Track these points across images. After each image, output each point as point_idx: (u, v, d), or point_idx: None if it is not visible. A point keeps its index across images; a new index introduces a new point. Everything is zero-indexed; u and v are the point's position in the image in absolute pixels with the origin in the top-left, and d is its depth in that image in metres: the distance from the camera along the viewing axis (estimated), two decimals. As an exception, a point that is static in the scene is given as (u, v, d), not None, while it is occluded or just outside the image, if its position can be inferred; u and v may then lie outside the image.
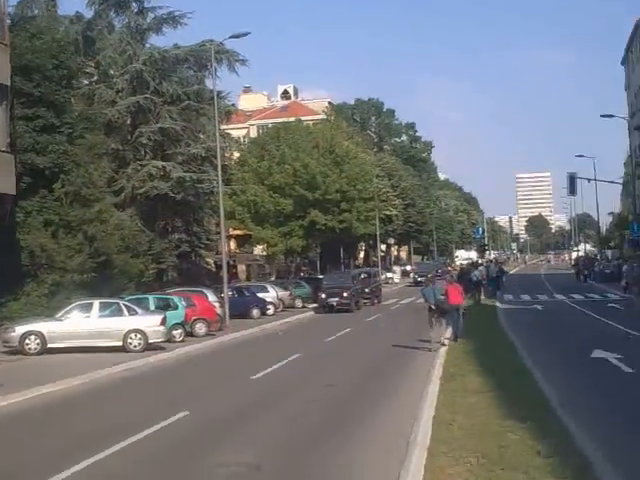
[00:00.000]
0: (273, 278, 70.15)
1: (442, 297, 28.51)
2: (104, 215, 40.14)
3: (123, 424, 16.20)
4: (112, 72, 52.87)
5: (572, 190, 70.41)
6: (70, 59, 40.60)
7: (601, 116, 65.34)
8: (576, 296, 55.67)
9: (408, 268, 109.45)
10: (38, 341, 28.98)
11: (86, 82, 50.23)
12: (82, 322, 29.73)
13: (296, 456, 13.29)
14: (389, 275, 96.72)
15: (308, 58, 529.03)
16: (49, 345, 29.01)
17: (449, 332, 29.05)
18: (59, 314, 30.07)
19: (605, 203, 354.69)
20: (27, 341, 28.91)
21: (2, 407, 18.77)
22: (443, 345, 27.22)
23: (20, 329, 29.28)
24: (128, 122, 52.52)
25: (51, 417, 18.24)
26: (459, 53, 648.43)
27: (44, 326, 29.52)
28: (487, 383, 18.50)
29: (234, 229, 74.14)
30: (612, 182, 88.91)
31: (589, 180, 79.61)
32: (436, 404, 16.25)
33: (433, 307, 27.69)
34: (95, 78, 52.24)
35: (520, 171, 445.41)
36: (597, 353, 23.93)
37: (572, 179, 68.68)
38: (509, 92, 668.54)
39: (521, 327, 33.60)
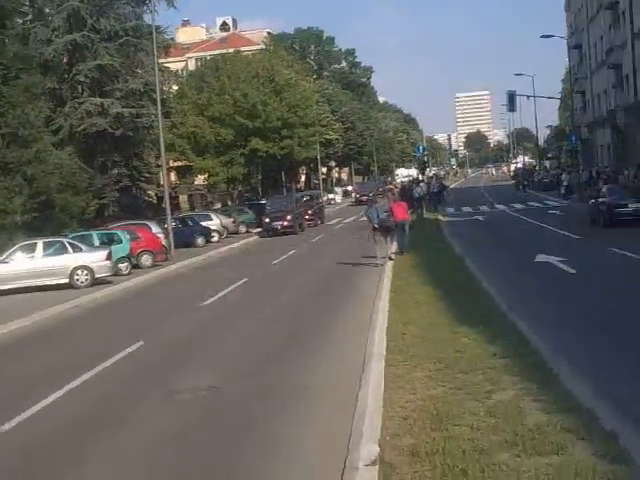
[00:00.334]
0: (218, 206, 69.82)
1: (385, 214, 28.71)
2: (43, 155, 39.43)
3: (78, 360, 16.15)
4: (48, 10, 51.52)
5: (511, 107, 72.09)
6: (3, -1, 39.49)
7: (541, 37, 65.94)
8: (517, 205, 56.34)
9: (349, 189, 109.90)
10: (-17, 284, 28.68)
11: (20, 22, 48.84)
12: (27, 262, 29.45)
13: (255, 376, 13.40)
14: (331, 196, 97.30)
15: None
16: (-5, 287, 28.73)
17: (394, 247, 29.25)
18: (2, 256, 29.64)
19: (543, 120, 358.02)
20: (-30, 284, 28.61)
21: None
22: (390, 259, 27.42)
23: (-38, 273, 28.91)
24: (65, 60, 51.33)
25: (3, 358, 18.12)
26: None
27: (-13, 268, 29.18)
28: (436, 293, 18.71)
29: (174, 161, 73.66)
30: (550, 97, 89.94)
31: (528, 97, 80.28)
32: (388, 316, 16.43)
33: (376, 226, 27.90)
34: (30, 17, 50.78)
35: (459, 91, 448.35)
36: (540, 257, 24.33)
37: (512, 96, 70.53)
38: (449, 16, 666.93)
39: (464, 238, 33.98)
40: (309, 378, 12.87)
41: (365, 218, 30.03)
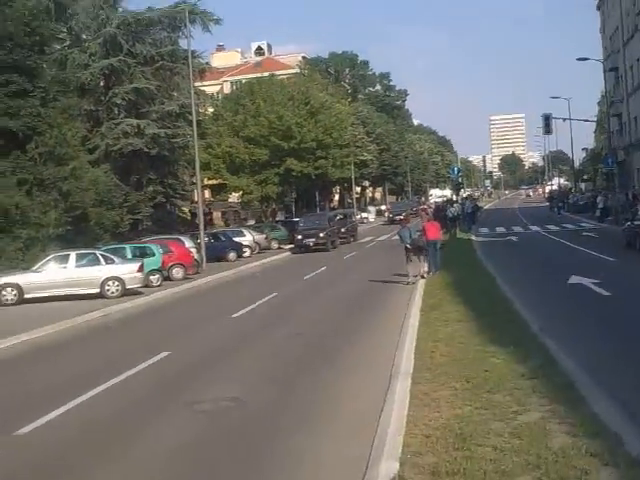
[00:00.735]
0: (251, 223, 70.08)
1: (417, 235, 28.64)
2: (79, 172, 40.17)
3: (105, 367, 16.16)
4: (85, 37, 52.34)
5: (547, 129, 71.91)
6: (42, 25, 40.20)
7: (577, 59, 65.28)
8: (551, 227, 55.92)
9: (383, 208, 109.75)
10: (15, 292, 29.01)
11: (59, 47, 49.56)
12: (59, 272, 29.75)
13: (281, 389, 13.31)
14: (364, 215, 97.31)
15: (281, 14, 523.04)
16: (26, 295, 29.00)
17: (426, 266, 29.10)
18: (36, 266, 30.01)
19: (578, 142, 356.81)
20: (4, 292, 28.92)
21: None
22: (422, 278, 27.31)
23: (-4, 281, 29.18)
24: (102, 84, 52.22)
25: (31, 363, 18.17)
26: (433, 1, 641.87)
27: (20, 278, 29.58)
28: (467, 312, 18.52)
29: (209, 179, 74.21)
30: (586, 120, 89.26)
31: (564, 119, 79.94)
32: (417, 334, 16.30)
33: (409, 246, 27.85)
34: (68, 43, 51.56)
35: (494, 113, 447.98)
36: (574, 279, 24.04)
37: (547, 118, 70.34)
38: (485, 37, 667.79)
39: (497, 258, 33.75)
40: (334, 393, 12.76)
41: (398, 237, 29.88)
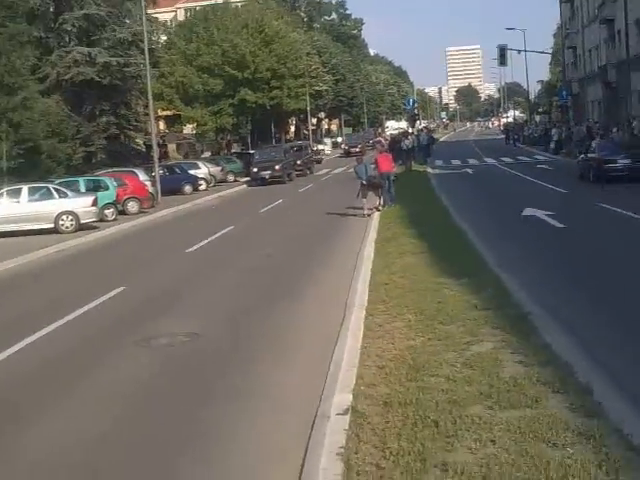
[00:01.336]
0: (207, 155, 69.62)
1: (374, 172, 28.52)
2: (29, 102, 39.41)
3: (59, 303, 16.08)
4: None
5: (502, 61, 71.78)
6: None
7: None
8: (506, 159, 56.04)
9: (339, 140, 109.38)
10: (-34, 228, 28.60)
11: (5, -30, 48.35)
12: (11, 207, 29.44)
13: (234, 324, 13.30)
14: (320, 147, 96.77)
15: None
16: (-22, 231, 28.64)
17: (381, 200, 29.10)
18: (-14, 201, 29.62)
19: (533, 74, 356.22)
20: (-47, 228, 28.53)
21: None
22: (377, 210, 27.35)
23: (-53, 217, 28.79)
24: (51, 9, 50.97)
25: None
26: None
27: (-29, 213, 29.09)
28: (422, 245, 18.57)
29: (163, 110, 73.51)
30: (542, 52, 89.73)
31: (519, 51, 79.81)
32: (372, 266, 16.36)
33: (364, 182, 27.80)
34: (15, -34, 50.25)
35: (451, 45, 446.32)
36: (528, 211, 24.16)
37: (502, 50, 70.30)
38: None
39: (452, 190, 33.82)
40: (289, 325, 12.84)
41: (353, 170, 29.82)
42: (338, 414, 7.83)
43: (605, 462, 6.14)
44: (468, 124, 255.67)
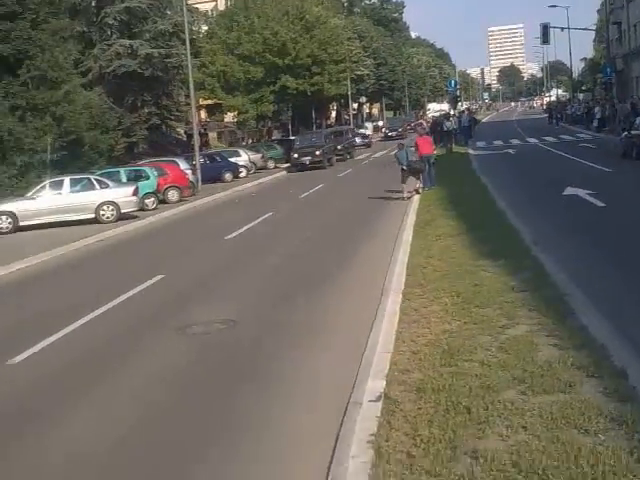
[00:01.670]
0: (247, 143, 69.80)
1: (414, 157, 28.35)
2: (72, 96, 39.75)
3: (99, 292, 16.12)
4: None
5: (545, 39, 70.70)
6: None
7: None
8: (548, 139, 55.51)
9: (380, 124, 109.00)
10: (10, 220, 28.93)
11: (48, -34, 48.71)
12: (54, 199, 29.62)
13: (272, 309, 13.31)
14: (361, 131, 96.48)
15: None
16: (21, 223, 28.97)
17: (421, 182, 28.95)
18: (30, 193, 29.91)
19: (577, 52, 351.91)
20: (-2, 221, 28.81)
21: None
22: (417, 193, 27.24)
23: (-10, 210, 29.11)
24: (93, 4, 51.32)
25: (30, 289, 18.28)
26: None
27: (15, 205, 29.51)
28: (460, 227, 18.48)
29: (204, 99, 73.73)
30: (585, 29, 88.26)
31: (562, 29, 78.74)
32: (410, 249, 16.30)
33: (405, 168, 27.66)
34: (58, -39, 50.62)
35: (492, 24, 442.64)
36: (569, 190, 23.90)
37: (545, 28, 69.21)
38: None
39: (493, 171, 33.54)
40: (326, 310, 12.84)
41: (393, 153, 29.69)
42: (370, 401, 7.78)
43: (637, 449, 6.01)
44: (512, 104, 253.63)
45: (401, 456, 6.43)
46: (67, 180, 30.36)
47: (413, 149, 29.22)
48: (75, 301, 15.62)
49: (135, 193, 30.27)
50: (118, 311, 14.26)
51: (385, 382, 8.19)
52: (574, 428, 6.54)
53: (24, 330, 13.44)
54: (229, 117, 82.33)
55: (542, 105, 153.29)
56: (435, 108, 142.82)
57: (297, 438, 7.77)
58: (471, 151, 49.36)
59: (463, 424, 6.84)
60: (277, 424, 8.19)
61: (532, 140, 56.77)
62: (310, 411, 8.38)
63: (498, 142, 57.63)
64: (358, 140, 74.56)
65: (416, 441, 6.63)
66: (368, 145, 74.02)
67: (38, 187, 30.16)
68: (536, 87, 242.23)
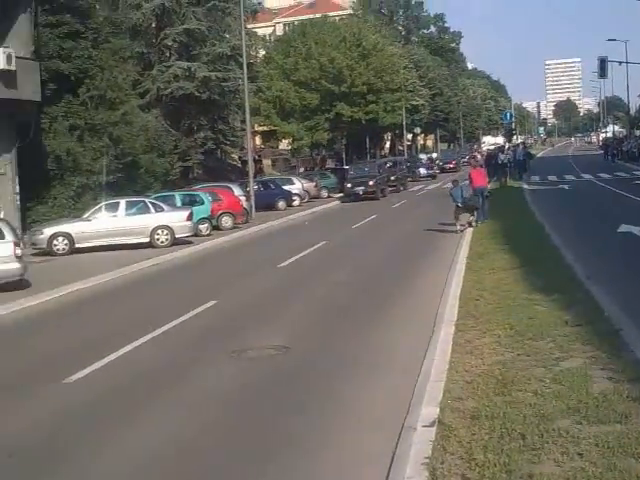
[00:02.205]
0: (301, 171, 70.15)
1: (469, 195, 28.24)
2: (129, 117, 40.16)
3: (153, 316, 16.38)
4: (136, -25, 52.17)
5: (602, 73, 69.78)
6: (93, -36, 40.19)
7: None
8: (604, 175, 55.09)
9: (434, 155, 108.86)
10: (66, 242, 29.20)
11: (110, -14, 49.57)
12: (109, 221, 29.93)
13: (325, 337, 13.43)
14: (426, 159, 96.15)
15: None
16: (77, 245, 29.24)
17: (474, 215, 28.90)
18: (86, 214, 30.30)
19: (635, 87, 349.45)
20: (55, 242, 29.11)
21: (35, 305, 18.97)
22: (470, 226, 27.20)
23: (48, 231, 29.49)
24: (153, 25, 51.90)
25: (84, 312, 18.51)
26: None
27: (71, 227, 29.78)
28: (514, 260, 18.47)
29: (259, 125, 74.39)
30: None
31: (620, 63, 78.07)
32: (463, 282, 16.33)
33: (460, 205, 27.61)
34: (120, -17, 51.55)
35: (549, 58, 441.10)
36: (624, 227, 23.74)
37: (603, 62, 68.26)
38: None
39: (547, 206, 33.41)
40: (379, 339, 12.89)
41: (449, 185, 29.68)
42: (424, 426, 7.86)
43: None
44: (572, 139, 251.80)
45: (456, 478, 6.51)
46: (123, 203, 30.70)
47: (467, 184, 29.17)
48: (129, 323, 15.90)
49: (189, 218, 30.55)
50: (172, 334, 14.45)
51: (439, 409, 8.27)
52: (631, 457, 6.57)
53: (80, 350, 13.65)
54: (284, 144, 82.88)
55: (598, 141, 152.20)
56: (490, 141, 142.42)
57: (353, 458, 7.87)
58: (525, 185, 49.19)
59: (518, 449, 6.89)
60: (334, 445, 8.32)
61: (587, 176, 56.41)
62: (365, 434, 8.48)
63: (552, 177, 57.38)
64: (422, 171, 73.94)
65: (471, 464, 6.70)
66: (433, 176, 73.01)
67: (94, 209, 30.47)
68: (592, 123, 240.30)
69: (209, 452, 8.43)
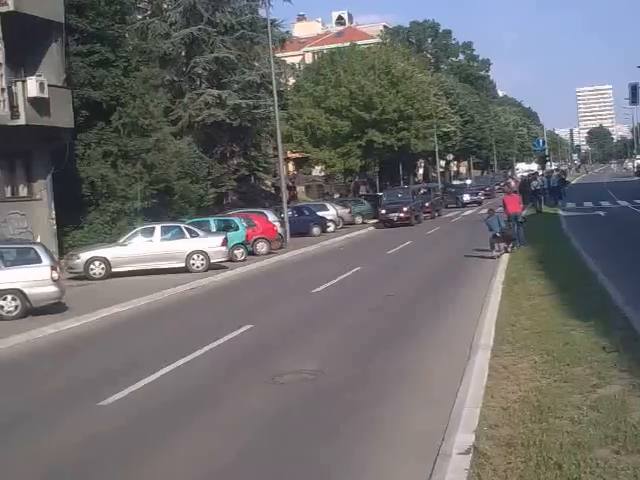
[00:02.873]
0: (335, 197, 70.29)
1: (505, 224, 28.11)
2: (162, 144, 40.52)
3: (189, 339, 16.51)
4: (165, 6, 52.74)
5: (634, 100, 69.77)
6: (123, -6, 40.73)
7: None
8: (640, 201, 54.71)
9: (468, 182, 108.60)
10: (102, 266, 29.42)
11: (140, 17, 50.19)
12: (145, 246, 30.11)
13: (360, 361, 13.43)
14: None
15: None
16: (113, 269, 29.44)
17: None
18: (122, 239, 30.52)
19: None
20: (92, 266, 29.35)
21: (71, 328, 19.19)
22: (506, 252, 27.10)
23: (84, 255, 29.74)
24: (183, 54, 52.44)
25: (120, 335, 18.64)
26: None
27: (108, 251, 29.98)
28: (550, 286, 18.39)
29: (292, 152, 74.73)
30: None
31: (651, 89, 77.76)
32: (499, 307, 16.29)
33: (498, 234, 27.50)
34: (149, 12, 52.19)
35: (581, 85, 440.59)
36: (662, 253, 23.58)
37: (634, 89, 68.23)
38: (570, 9, 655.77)
39: (583, 232, 33.18)
40: (414, 365, 12.87)
41: (483, 211, 29.61)
42: (459, 453, 7.82)
43: None
44: (612, 165, 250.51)
45: (491, 508, 6.46)
46: (158, 228, 30.90)
47: (502, 211, 29.07)
48: (165, 347, 16.02)
49: (224, 243, 30.68)
50: (207, 359, 14.53)
51: (474, 436, 8.22)
52: (670, 488, 6.49)
53: (115, 374, 13.76)
54: (317, 171, 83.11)
55: (633, 168, 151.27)
56: (524, 168, 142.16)
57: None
58: (560, 212, 48.92)
59: (554, 479, 6.82)
60: (370, 470, 8.31)
61: (623, 202, 55.97)
62: (399, 462, 8.44)
63: (588, 203, 57.02)
64: (466, 198, 72.26)
65: (506, 494, 6.65)
66: (479, 202, 70.40)
67: (130, 234, 30.72)
68: (626, 149, 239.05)
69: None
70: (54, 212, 32.25)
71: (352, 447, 9.03)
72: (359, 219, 54.99)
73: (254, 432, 10.03)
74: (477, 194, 73.28)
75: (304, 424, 10.13)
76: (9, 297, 20.26)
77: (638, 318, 13.48)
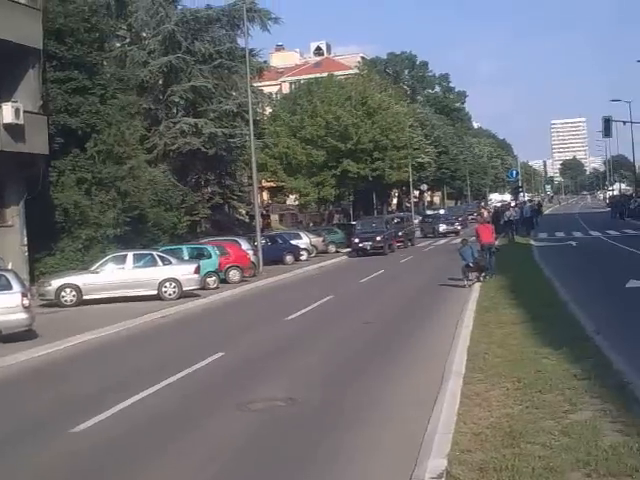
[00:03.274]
0: (309, 226, 70.38)
1: (479, 255, 28.21)
2: (137, 171, 40.40)
3: (160, 367, 16.41)
4: (144, 34, 52.75)
5: (607, 133, 70.32)
6: (102, 22, 40.83)
7: (638, 61, 64.49)
8: (611, 232, 55.06)
9: (441, 212, 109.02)
10: (74, 293, 29.26)
11: (118, 44, 50.19)
12: (117, 273, 29.98)
13: (331, 390, 13.37)
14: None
15: (340, 14, 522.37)
16: (85, 297, 29.28)
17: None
18: (94, 267, 30.32)
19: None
20: (63, 294, 29.19)
21: (42, 356, 19.01)
22: (478, 281, 27.21)
23: (56, 282, 29.58)
24: (160, 82, 52.41)
25: (91, 363, 18.53)
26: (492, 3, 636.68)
27: (79, 279, 29.80)
28: (522, 315, 18.48)
29: (267, 181, 74.81)
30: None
31: (624, 122, 78.65)
32: (471, 336, 16.33)
33: (471, 265, 27.60)
34: (127, 40, 52.15)
35: (555, 117, 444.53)
36: (632, 283, 23.71)
37: (607, 122, 68.80)
38: (544, 43, 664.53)
39: (555, 262, 33.35)
40: (386, 393, 12.82)
41: (457, 240, 29.74)
42: (432, 478, 7.80)
43: None
44: (577, 197, 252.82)
45: (463, 532, 6.44)
46: (130, 255, 30.80)
47: (474, 240, 29.18)
48: (136, 375, 15.90)
49: (197, 271, 30.60)
50: (178, 386, 14.43)
51: (447, 461, 8.21)
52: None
53: (86, 400, 13.65)
54: (291, 200, 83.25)
55: (604, 199, 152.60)
56: (497, 198, 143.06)
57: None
58: (533, 242, 49.18)
59: (526, 504, 6.83)
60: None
61: (594, 233, 56.39)
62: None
63: (560, 234, 57.41)
64: (443, 227, 71.68)
65: (478, 519, 6.64)
66: (456, 232, 69.01)
67: (102, 261, 30.54)
68: (599, 181, 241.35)
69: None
70: (26, 239, 32.01)
71: (324, 473, 8.99)
72: (332, 248, 55.05)
73: (226, 458, 9.97)
74: (453, 224, 73.33)
75: (274, 452, 10.06)
76: (-21, 323, 20.08)
77: (608, 347, 13.56)
